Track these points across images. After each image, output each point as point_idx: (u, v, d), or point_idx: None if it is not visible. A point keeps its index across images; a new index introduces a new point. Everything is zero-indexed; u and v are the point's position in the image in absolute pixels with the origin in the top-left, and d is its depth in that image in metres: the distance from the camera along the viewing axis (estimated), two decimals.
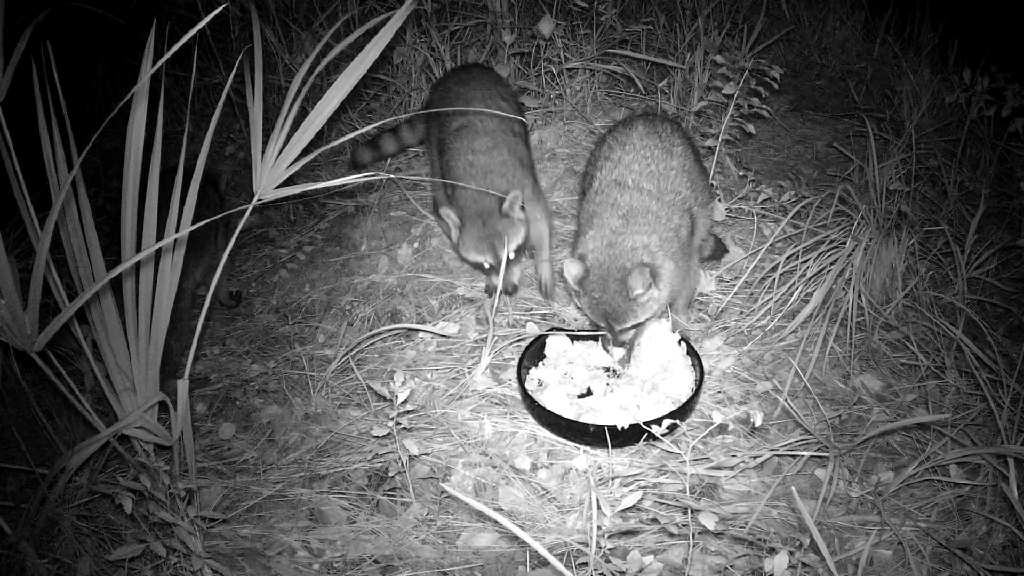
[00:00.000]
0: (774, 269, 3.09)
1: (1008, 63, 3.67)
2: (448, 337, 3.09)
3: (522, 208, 2.96)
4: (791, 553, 1.80)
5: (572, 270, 2.61)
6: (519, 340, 3.03)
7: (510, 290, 3.03)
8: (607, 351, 2.73)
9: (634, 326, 2.66)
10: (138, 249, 2.20)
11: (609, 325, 2.64)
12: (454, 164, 3.10)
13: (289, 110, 2.18)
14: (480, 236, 2.94)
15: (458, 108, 3.19)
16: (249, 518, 2.50)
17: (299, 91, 2.20)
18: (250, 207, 2.17)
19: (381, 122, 2.79)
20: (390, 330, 3.06)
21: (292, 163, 2.19)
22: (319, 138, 2.25)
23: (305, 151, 2.21)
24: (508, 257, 2.94)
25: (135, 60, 2.16)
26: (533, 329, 3.06)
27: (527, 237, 3.03)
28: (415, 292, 3.35)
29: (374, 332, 3.02)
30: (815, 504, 2.32)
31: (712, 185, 3.42)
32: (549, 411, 2.60)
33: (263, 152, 2.17)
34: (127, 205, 2.21)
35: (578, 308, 2.77)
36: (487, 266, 3.01)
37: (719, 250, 3.34)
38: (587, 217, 2.78)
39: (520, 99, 3.56)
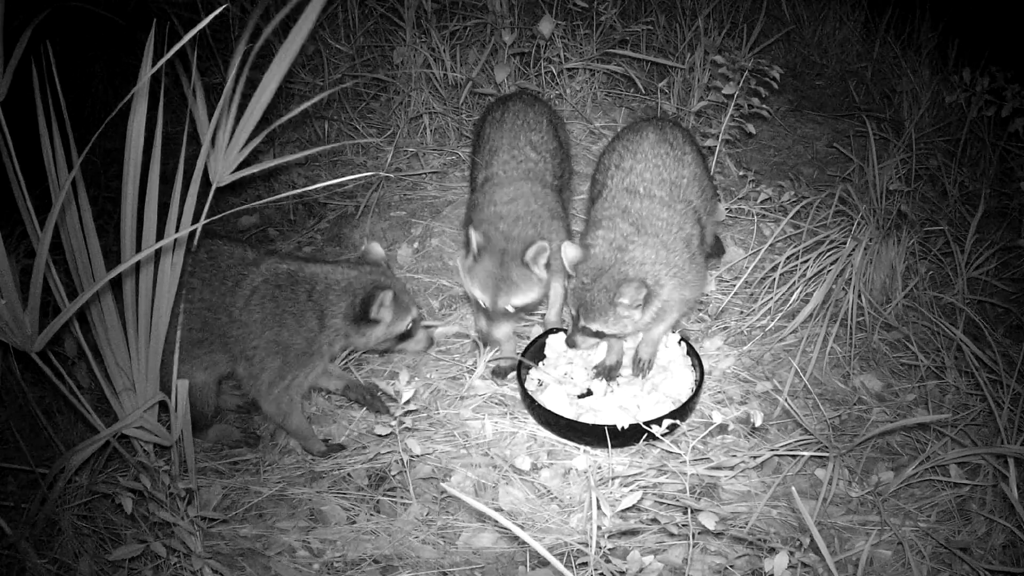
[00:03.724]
0: (774, 269, 3.08)
1: (1008, 63, 3.67)
2: (448, 337, 3.09)
3: (547, 266, 2.72)
4: (791, 553, 1.80)
5: (570, 253, 2.56)
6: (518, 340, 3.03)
7: (489, 343, 2.79)
8: (569, 342, 2.66)
9: (597, 332, 2.59)
10: (138, 249, 2.20)
11: (577, 315, 2.59)
12: (482, 202, 2.86)
13: (232, 90, 2.10)
14: (490, 274, 2.68)
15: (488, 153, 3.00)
16: (249, 518, 2.50)
17: (240, 71, 2.14)
18: (210, 195, 2.16)
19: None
20: None
21: (244, 145, 2.16)
22: (267, 120, 2.21)
23: (258, 130, 2.16)
24: (507, 309, 2.73)
25: (135, 60, 2.15)
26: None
27: (539, 299, 2.79)
28: (415, 292, 3.35)
29: None
30: (815, 504, 2.32)
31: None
32: (549, 411, 2.60)
33: (213, 139, 2.14)
34: (127, 205, 2.21)
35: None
36: (482, 306, 2.76)
37: (717, 249, 3.34)
38: (597, 219, 2.72)
39: (560, 140, 3.18)
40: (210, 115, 2.12)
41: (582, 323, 2.58)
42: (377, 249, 2.69)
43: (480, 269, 2.70)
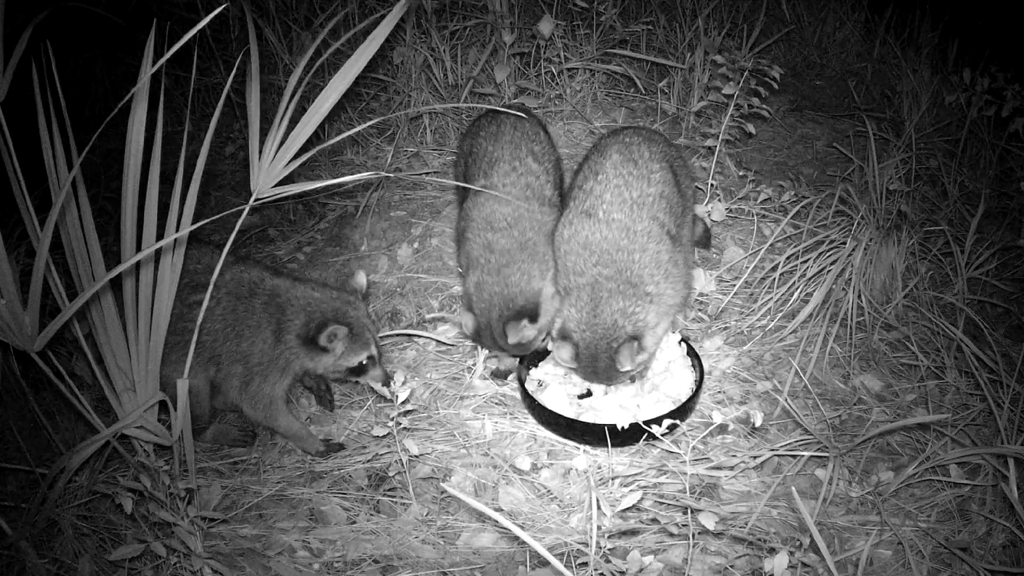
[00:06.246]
0: (774, 269, 3.09)
1: (1008, 63, 3.67)
2: (448, 339, 3.09)
3: (532, 320, 2.69)
4: (791, 553, 1.80)
5: (564, 355, 2.57)
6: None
7: (502, 375, 2.88)
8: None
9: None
10: (138, 249, 2.20)
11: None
12: (470, 237, 2.81)
13: (286, 108, 2.17)
14: (495, 343, 2.74)
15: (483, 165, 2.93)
16: (249, 518, 2.50)
17: (296, 89, 2.19)
18: (248, 206, 2.17)
19: (379, 119, 2.74)
20: (388, 335, 3.06)
21: (290, 161, 2.19)
22: (317, 136, 2.22)
23: (303, 149, 2.20)
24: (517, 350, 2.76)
25: (135, 60, 2.15)
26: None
27: (543, 330, 2.77)
28: (415, 292, 3.35)
29: None
30: (815, 504, 2.32)
31: (712, 184, 3.43)
32: (549, 411, 2.60)
33: (260, 150, 2.17)
34: (127, 205, 2.21)
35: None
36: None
37: (705, 238, 3.34)
38: (562, 263, 2.65)
39: (558, 153, 3.15)
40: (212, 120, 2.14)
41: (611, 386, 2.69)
42: (360, 279, 2.70)
43: (485, 344, 2.78)
